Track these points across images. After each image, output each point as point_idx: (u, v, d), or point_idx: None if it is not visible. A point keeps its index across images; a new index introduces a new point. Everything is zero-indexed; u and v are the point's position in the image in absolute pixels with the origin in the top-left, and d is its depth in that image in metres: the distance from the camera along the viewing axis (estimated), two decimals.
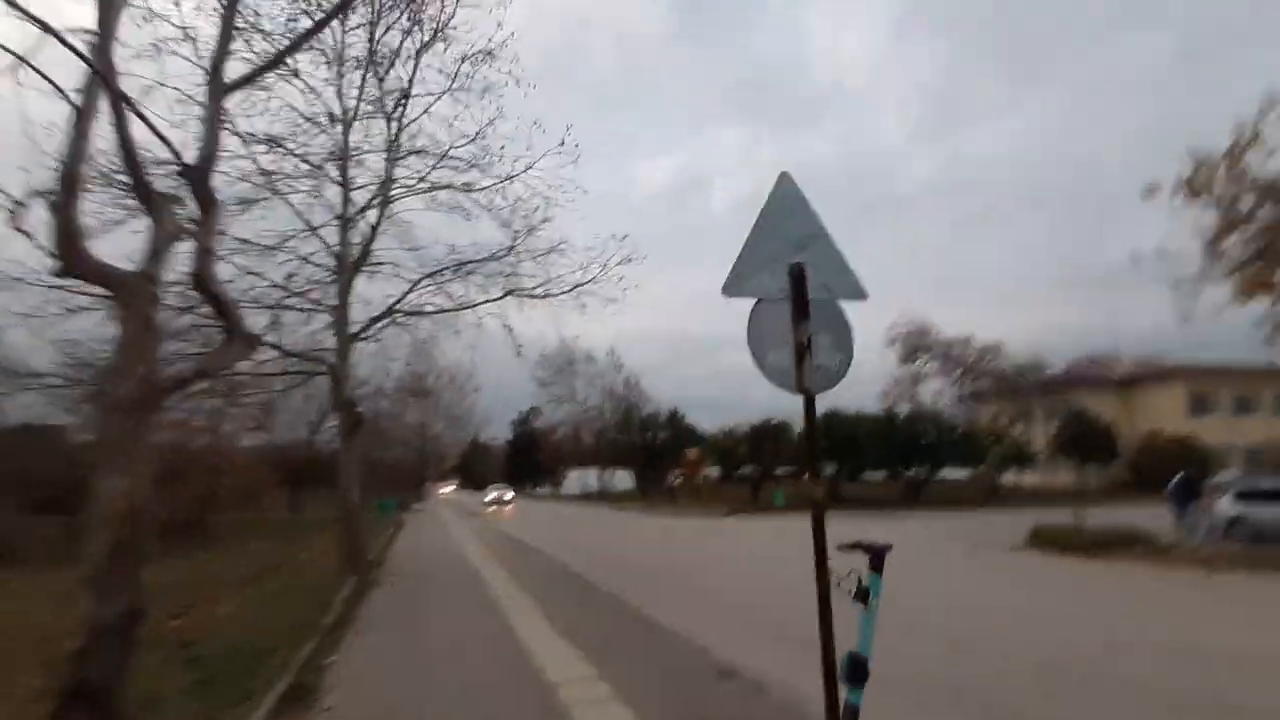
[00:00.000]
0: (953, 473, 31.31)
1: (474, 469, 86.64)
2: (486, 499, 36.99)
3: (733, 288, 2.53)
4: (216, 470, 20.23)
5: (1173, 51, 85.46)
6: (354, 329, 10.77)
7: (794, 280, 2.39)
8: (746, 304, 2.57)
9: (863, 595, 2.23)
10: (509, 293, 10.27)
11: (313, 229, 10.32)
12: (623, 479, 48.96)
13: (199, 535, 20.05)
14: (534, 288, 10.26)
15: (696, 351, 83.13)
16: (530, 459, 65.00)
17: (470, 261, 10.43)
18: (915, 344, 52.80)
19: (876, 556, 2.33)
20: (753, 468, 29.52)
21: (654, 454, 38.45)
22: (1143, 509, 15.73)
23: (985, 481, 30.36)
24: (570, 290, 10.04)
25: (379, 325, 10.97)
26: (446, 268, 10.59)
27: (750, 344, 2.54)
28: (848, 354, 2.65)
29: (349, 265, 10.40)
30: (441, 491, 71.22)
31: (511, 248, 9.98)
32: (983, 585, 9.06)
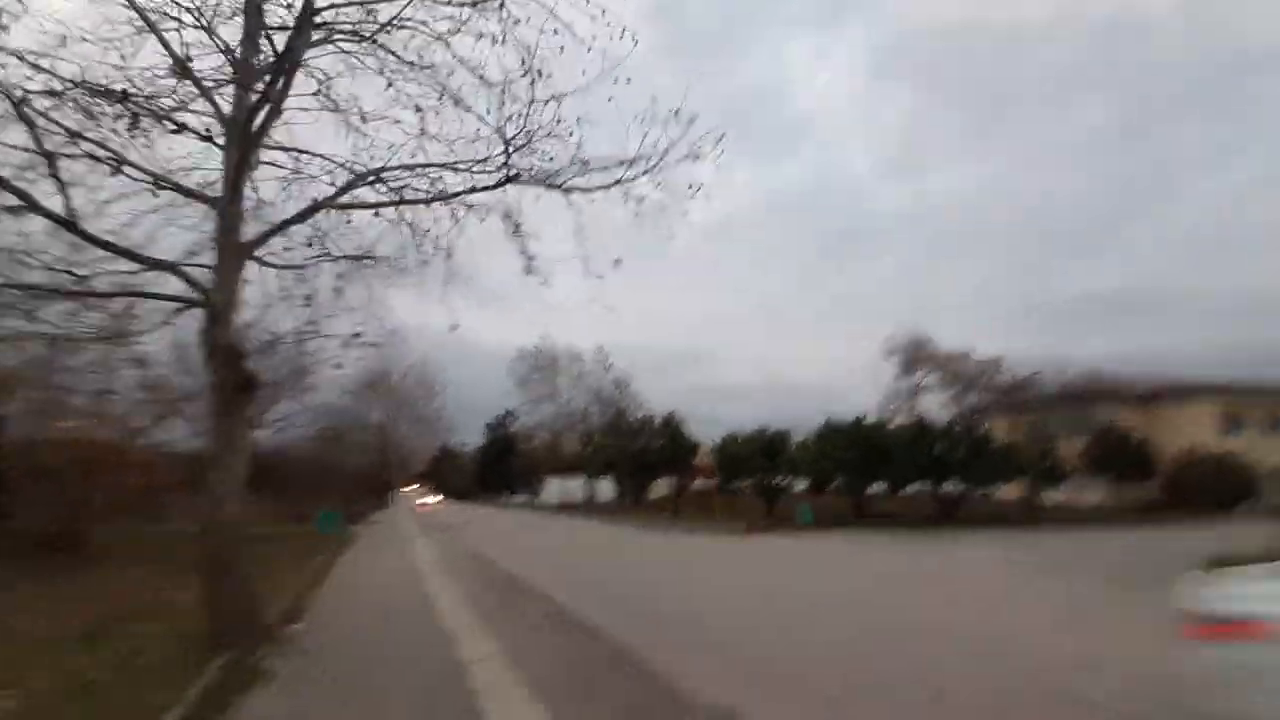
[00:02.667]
0: (982, 490, 28.12)
1: (444, 476, 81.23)
2: (419, 501, 40.95)
3: None
4: (97, 468, 15.48)
5: (1116, 118, 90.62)
6: (254, 236, 6.61)
7: None
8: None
9: None
10: (510, 178, 6.20)
11: (186, 71, 6.18)
12: (605, 489, 44.68)
13: (68, 551, 15.24)
14: (552, 173, 6.21)
15: (658, 366, 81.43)
16: (505, 465, 60.13)
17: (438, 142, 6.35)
18: (914, 356, 50.48)
19: None
20: (757, 478, 25.73)
21: (647, 462, 34.33)
22: (1197, 530, 13.73)
23: (1027, 499, 27.19)
24: (620, 179, 6.04)
25: (290, 231, 6.77)
26: (401, 153, 6.47)
27: None
28: None
29: (243, 134, 6.27)
30: (417, 501, 67.03)
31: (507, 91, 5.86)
32: None
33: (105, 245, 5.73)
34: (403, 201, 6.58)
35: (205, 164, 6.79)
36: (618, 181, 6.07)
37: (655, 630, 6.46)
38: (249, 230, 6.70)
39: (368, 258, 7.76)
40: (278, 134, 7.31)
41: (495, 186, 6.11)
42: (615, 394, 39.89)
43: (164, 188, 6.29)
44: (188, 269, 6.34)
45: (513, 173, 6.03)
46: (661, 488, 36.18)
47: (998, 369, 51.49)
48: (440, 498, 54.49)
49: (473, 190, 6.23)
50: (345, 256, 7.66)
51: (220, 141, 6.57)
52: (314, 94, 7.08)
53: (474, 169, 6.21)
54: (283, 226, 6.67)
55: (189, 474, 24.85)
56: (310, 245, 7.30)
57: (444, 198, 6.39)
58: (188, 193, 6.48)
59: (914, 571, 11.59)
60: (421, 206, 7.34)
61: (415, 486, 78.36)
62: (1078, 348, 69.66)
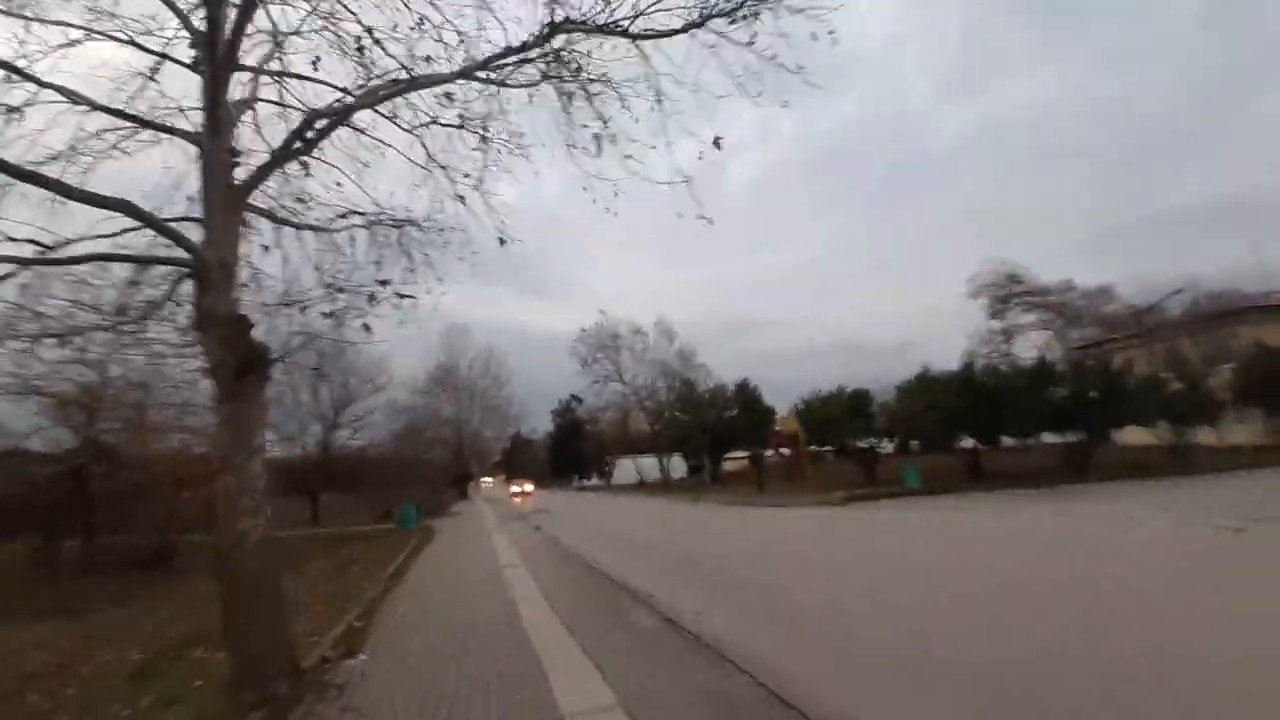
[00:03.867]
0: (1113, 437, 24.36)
1: (517, 464, 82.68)
2: (512, 490, 50.29)
3: None
4: (186, 483, 15.35)
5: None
6: (246, 178, 5.25)
7: None
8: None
9: None
10: (555, 26, 4.41)
11: None
12: (677, 465, 43.20)
13: (159, 567, 15.28)
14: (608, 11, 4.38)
15: (713, 339, 77.99)
16: (574, 450, 59.99)
17: None
18: (1006, 293, 45.31)
19: None
20: (845, 441, 23.29)
21: (722, 433, 32.47)
22: None
23: (1173, 443, 23.34)
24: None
25: (302, 182, 5.34)
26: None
27: None
28: None
29: (221, 53, 4.88)
30: (511, 490, 68.55)
31: None
32: None
33: (60, 189, 4.46)
34: (413, 89, 4.97)
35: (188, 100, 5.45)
36: (703, 21, 4.17)
37: (840, 658, 4.68)
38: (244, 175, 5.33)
39: (394, 220, 6.33)
40: (272, 64, 5.93)
41: (534, 44, 4.38)
42: (681, 366, 38.10)
43: (131, 120, 4.99)
44: (173, 224, 5.01)
45: (557, 17, 4.27)
46: (733, 461, 34.26)
47: (1108, 298, 45.64)
48: (531, 487, 54.91)
49: (506, 55, 4.53)
50: (355, 213, 6.24)
51: (200, 68, 5.22)
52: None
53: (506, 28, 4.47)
54: (278, 161, 5.23)
55: (289, 480, 25.34)
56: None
57: (469, 73, 4.73)
58: (163, 129, 5.15)
59: (1104, 543, 9.24)
60: (449, 130, 5.78)
61: (490, 480, 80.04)
62: (1173, 267, 61.02)
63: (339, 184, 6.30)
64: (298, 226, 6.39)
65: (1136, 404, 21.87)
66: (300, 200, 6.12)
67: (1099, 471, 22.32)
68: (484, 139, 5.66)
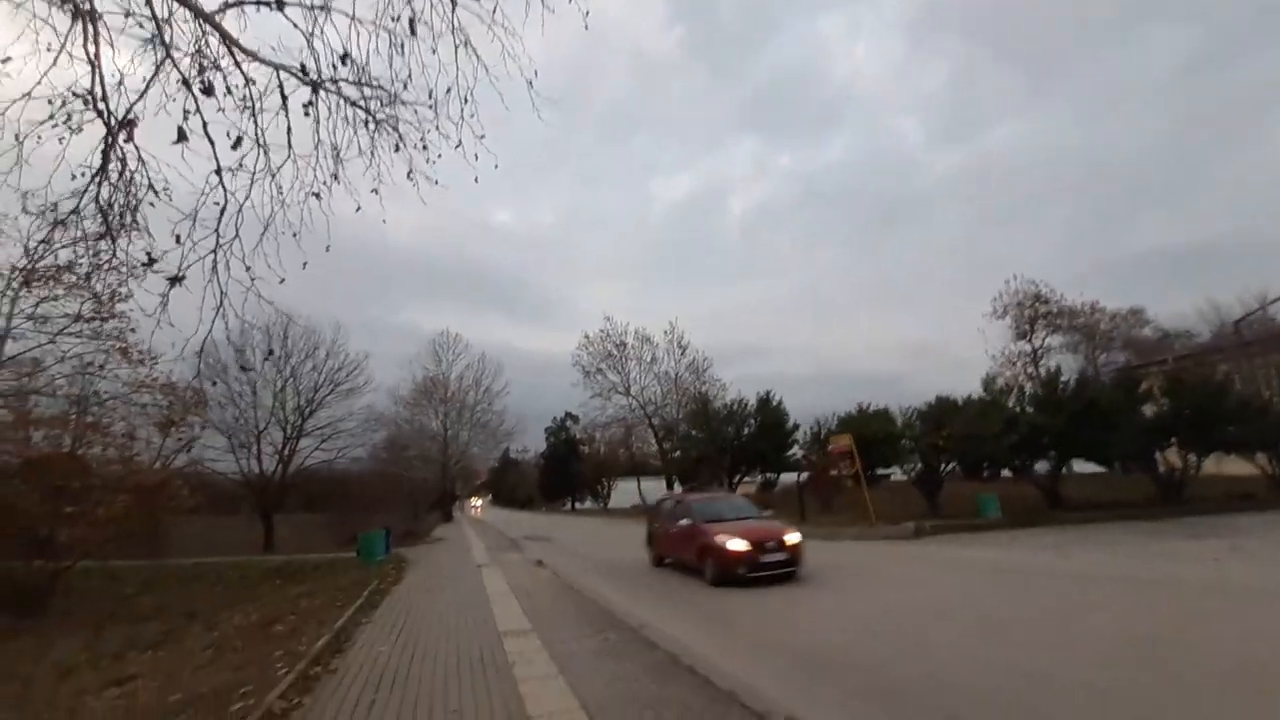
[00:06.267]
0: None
1: (505, 485, 78.10)
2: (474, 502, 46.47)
3: None
4: (75, 495, 11.46)
5: (1190, 52, 79.34)
6: None
7: None
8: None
9: None
10: None
11: None
12: (655, 491, 39.46)
13: (30, 606, 11.28)
14: None
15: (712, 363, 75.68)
16: (568, 470, 55.88)
17: None
18: (1033, 314, 42.68)
19: None
20: (912, 465, 19.79)
21: (743, 453, 28.84)
22: None
23: (1271, 473, 20.09)
24: None
25: None
26: None
27: None
28: None
29: None
30: (472, 506, 65.81)
31: None
32: None
33: None
34: None
35: None
36: None
37: None
38: None
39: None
40: None
41: None
42: (694, 380, 34.54)
43: None
44: None
45: None
46: (745, 485, 30.64)
47: (1139, 321, 43.24)
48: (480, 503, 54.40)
49: None
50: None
51: None
52: None
53: None
54: None
55: (210, 495, 21.31)
56: None
57: None
58: None
59: None
60: None
61: (480, 502, 76.02)
62: (1162, 305, 60.34)
63: None
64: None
65: (1242, 425, 18.68)
66: None
67: (1198, 504, 19.06)
68: None
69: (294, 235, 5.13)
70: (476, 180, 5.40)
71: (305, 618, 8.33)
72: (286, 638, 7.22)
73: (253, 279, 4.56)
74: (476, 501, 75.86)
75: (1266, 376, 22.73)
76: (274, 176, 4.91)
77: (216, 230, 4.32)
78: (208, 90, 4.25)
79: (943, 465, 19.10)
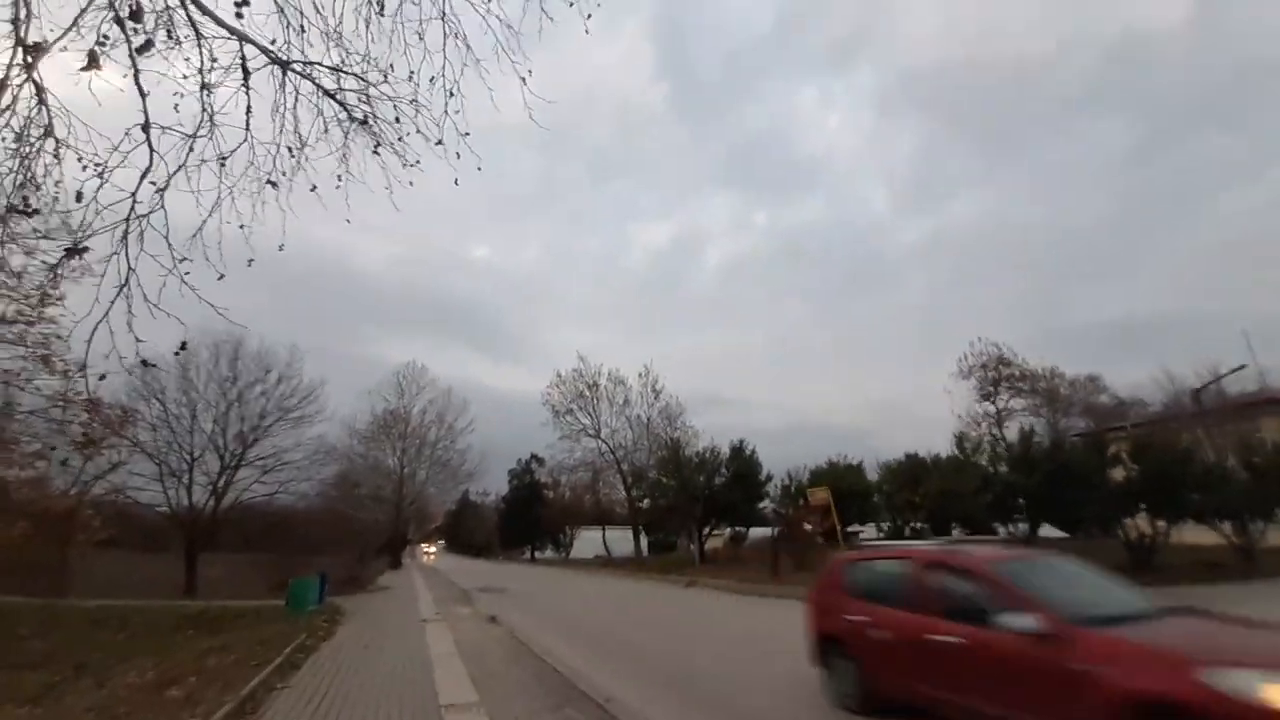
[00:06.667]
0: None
1: (463, 529, 74.41)
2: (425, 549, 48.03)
3: None
4: None
5: (1130, 137, 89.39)
6: None
7: None
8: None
9: None
10: None
11: None
12: (619, 541, 38.35)
13: None
14: None
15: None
16: (531, 517, 53.51)
17: None
18: (996, 376, 43.90)
19: None
20: (887, 521, 19.27)
21: (715, 503, 27.97)
22: None
23: (1235, 541, 20.22)
24: None
25: None
26: None
27: None
28: None
29: None
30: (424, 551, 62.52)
31: None
32: None
33: None
34: None
35: None
36: None
37: None
38: None
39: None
40: None
41: None
42: (665, 427, 33.81)
43: None
44: None
45: None
46: (713, 537, 29.65)
47: (1097, 388, 44.78)
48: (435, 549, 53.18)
49: None
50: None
51: None
52: None
53: None
54: None
55: (132, 528, 19.25)
56: None
57: None
58: None
59: None
60: None
61: (434, 549, 72.09)
62: (1115, 374, 63.65)
63: None
64: None
65: (1205, 493, 18.84)
66: None
67: (1168, 572, 18.90)
68: None
69: (241, 226, 4.48)
70: (457, 182, 4.90)
71: (210, 679, 7.06)
72: (181, 704, 6.01)
73: (177, 260, 3.82)
74: (430, 548, 71.94)
75: (1225, 446, 23.27)
76: (224, 162, 4.28)
77: (133, 195, 3.60)
78: (144, 47, 3.62)
79: (914, 524, 18.61)
